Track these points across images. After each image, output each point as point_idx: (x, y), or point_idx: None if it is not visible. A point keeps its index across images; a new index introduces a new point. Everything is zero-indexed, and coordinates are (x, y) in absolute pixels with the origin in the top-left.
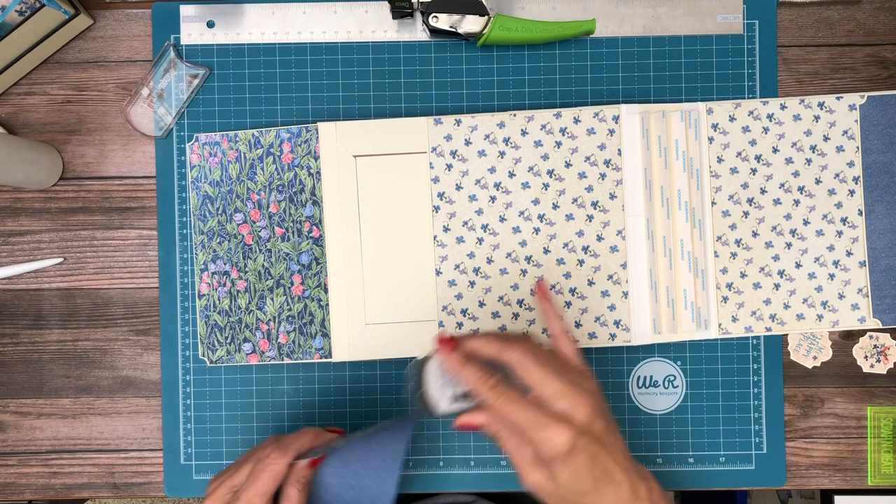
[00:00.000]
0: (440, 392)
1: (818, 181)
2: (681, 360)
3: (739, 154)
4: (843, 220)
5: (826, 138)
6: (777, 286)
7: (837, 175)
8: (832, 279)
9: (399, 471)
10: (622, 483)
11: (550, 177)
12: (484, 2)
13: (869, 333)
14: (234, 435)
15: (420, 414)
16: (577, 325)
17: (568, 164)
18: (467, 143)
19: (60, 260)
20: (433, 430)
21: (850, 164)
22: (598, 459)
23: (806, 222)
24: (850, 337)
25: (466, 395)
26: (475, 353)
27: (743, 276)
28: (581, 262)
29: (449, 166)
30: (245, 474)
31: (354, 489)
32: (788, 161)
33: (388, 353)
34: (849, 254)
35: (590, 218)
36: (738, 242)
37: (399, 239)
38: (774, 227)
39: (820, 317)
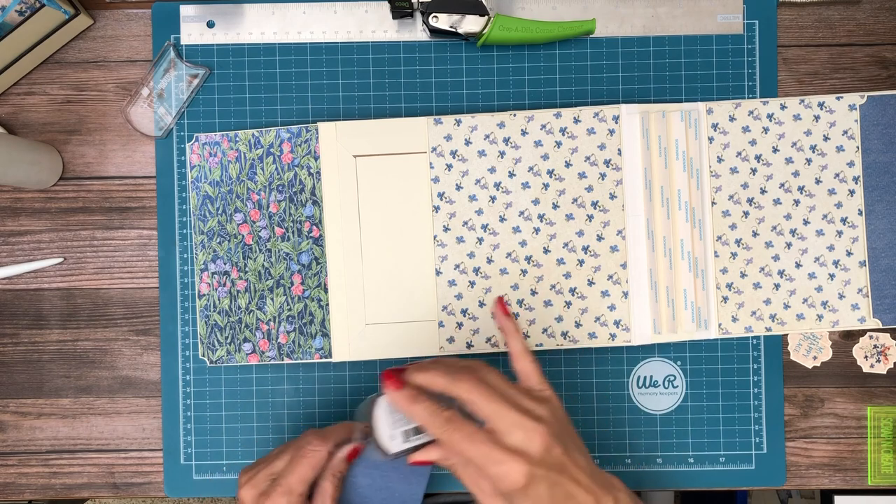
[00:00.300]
0: (393, 430)
1: (818, 181)
2: (681, 360)
3: (739, 154)
4: (843, 220)
5: (826, 138)
6: (777, 286)
7: (837, 175)
8: (832, 279)
9: (428, 475)
10: (587, 502)
11: (550, 177)
12: (484, 2)
13: (869, 333)
14: (234, 435)
15: (377, 453)
16: (577, 325)
17: (568, 164)
18: (467, 143)
19: (60, 260)
20: None
21: (850, 164)
22: (558, 486)
23: (806, 222)
24: (850, 337)
25: (419, 429)
26: (424, 388)
27: (743, 276)
28: (581, 262)
29: (449, 166)
30: (284, 462)
31: (383, 491)
32: (788, 161)
33: (388, 353)
34: (849, 254)
35: (590, 218)
36: (738, 242)
37: (399, 239)
38: (774, 227)
39: (820, 317)
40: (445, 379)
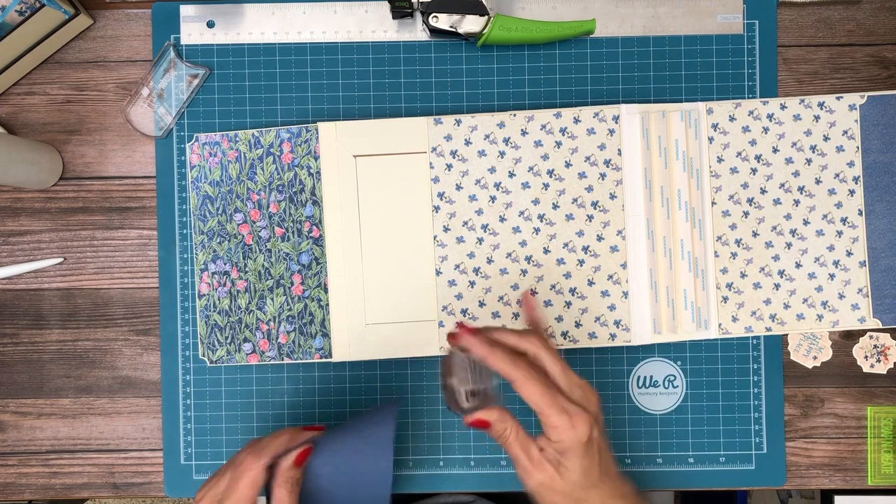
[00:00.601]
0: (459, 387)
1: (818, 181)
2: (681, 360)
3: (739, 154)
4: (843, 220)
5: (826, 138)
6: (777, 286)
7: (837, 175)
8: (832, 279)
9: (390, 448)
10: (616, 479)
11: (550, 177)
12: (484, 2)
13: (869, 333)
14: (234, 435)
15: (451, 407)
16: (577, 325)
17: (568, 164)
18: (467, 143)
19: (60, 260)
20: (433, 430)
21: (850, 164)
22: (604, 453)
23: (806, 222)
24: (850, 337)
25: (475, 393)
26: (497, 341)
27: (743, 276)
28: (581, 262)
29: (449, 166)
30: (226, 483)
31: (349, 474)
32: (788, 161)
33: (388, 353)
34: (849, 254)
35: (590, 218)
36: (738, 242)
37: (399, 239)
38: (774, 227)
39: (820, 317)
40: (515, 335)
